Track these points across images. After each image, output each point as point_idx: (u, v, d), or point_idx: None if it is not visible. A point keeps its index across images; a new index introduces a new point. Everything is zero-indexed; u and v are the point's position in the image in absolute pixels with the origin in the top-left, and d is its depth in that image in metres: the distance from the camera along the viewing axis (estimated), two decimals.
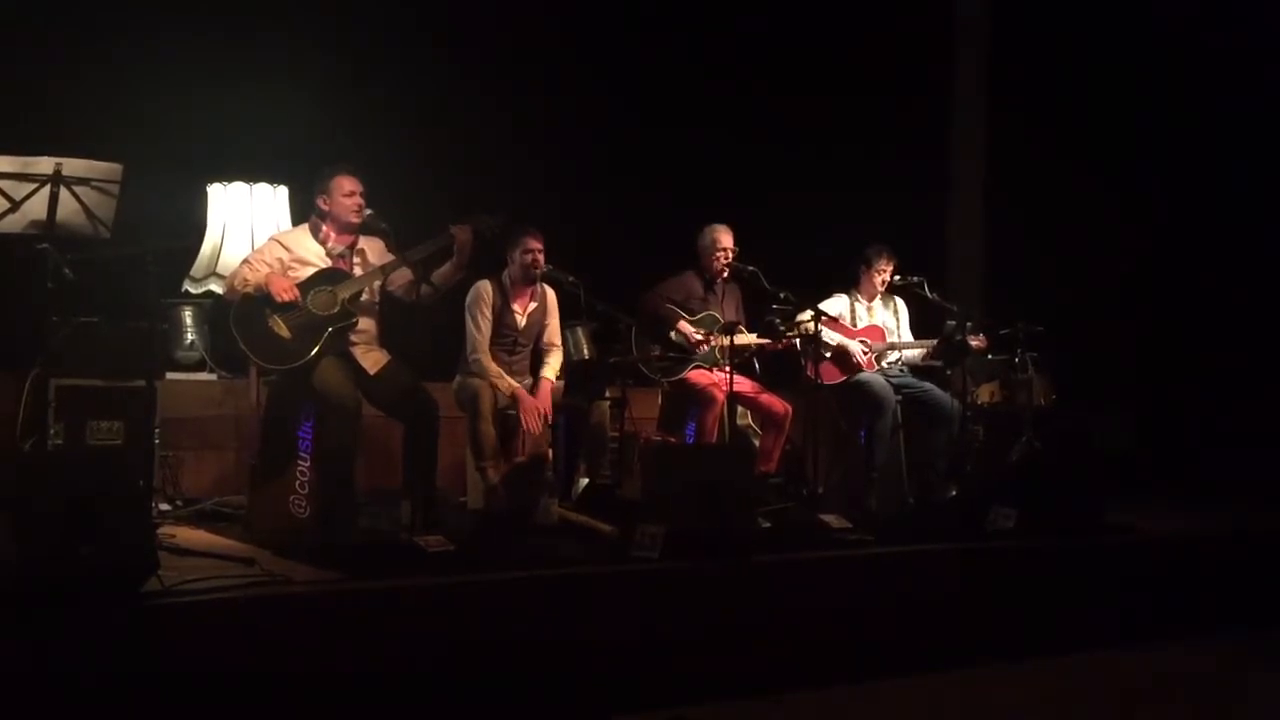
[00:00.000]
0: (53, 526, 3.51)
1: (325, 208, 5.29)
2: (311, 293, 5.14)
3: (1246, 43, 8.36)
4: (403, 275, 5.31)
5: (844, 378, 6.67)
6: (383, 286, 5.38)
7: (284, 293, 5.07)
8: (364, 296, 5.29)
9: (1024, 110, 8.90)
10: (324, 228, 5.30)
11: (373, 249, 5.38)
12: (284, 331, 5.08)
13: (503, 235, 5.69)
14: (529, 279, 5.86)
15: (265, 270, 5.15)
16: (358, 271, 5.30)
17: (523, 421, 5.62)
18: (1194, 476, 7.62)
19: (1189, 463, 7.69)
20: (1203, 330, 8.47)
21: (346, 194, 5.25)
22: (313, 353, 5.06)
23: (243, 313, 5.11)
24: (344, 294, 5.18)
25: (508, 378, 5.73)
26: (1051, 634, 5.22)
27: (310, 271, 5.22)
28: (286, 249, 5.27)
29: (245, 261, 5.30)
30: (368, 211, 5.26)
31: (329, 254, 5.30)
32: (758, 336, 6.50)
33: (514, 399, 5.65)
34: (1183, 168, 8.46)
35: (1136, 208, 8.55)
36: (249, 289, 5.10)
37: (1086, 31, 8.75)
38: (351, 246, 5.35)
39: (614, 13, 8.06)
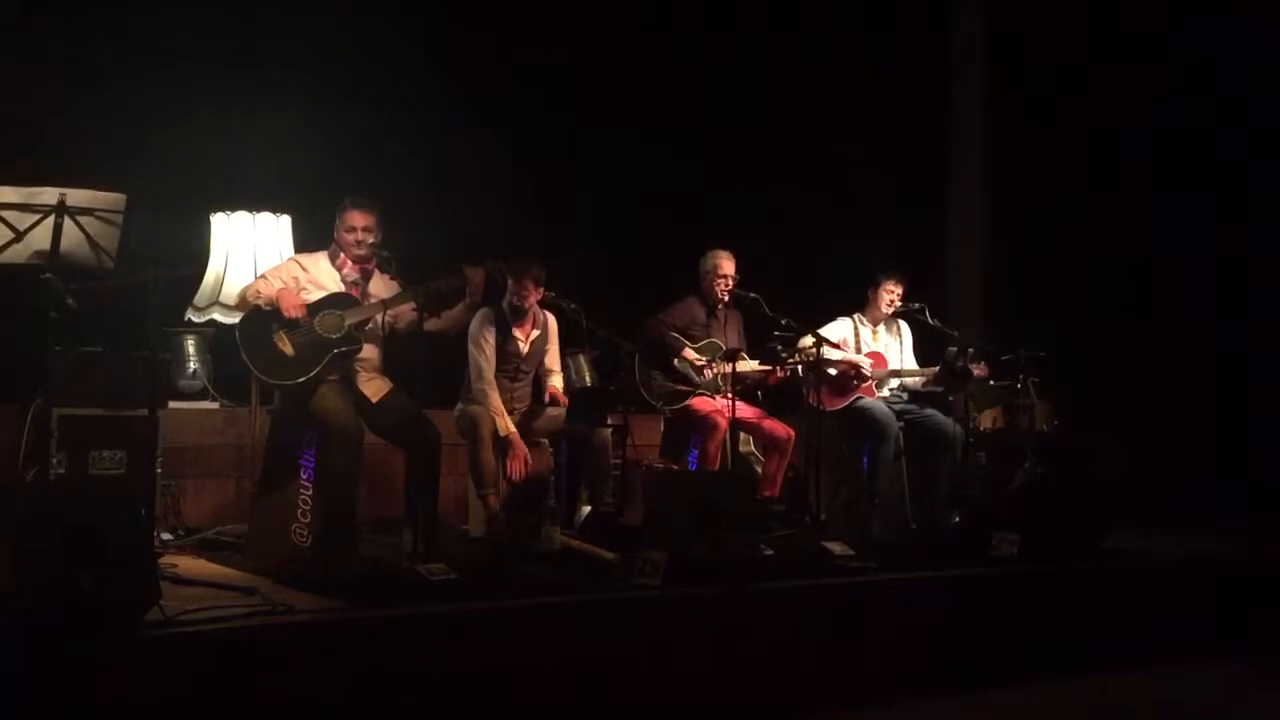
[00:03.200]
0: (54, 556, 3.51)
1: (336, 235, 5.33)
2: (320, 314, 5.15)
3: (1248, 50, 8.36)
4: (406, 313, 5.31)
5: (846, 401, 6.66)
6: (385, 321, 5.37)
7: (293, 309, 5.08)
8: (369, 325, 5.30)
9: (1023, 131, 8.91)
10: (340, 255, 5.34)
11: (383, 284, 5.39)
12: (288, 348, 5.09)
13: (505, 268, 5.70)
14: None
15: (279, 286, 5.17)
16: (367, 300, 5.32)
17: (507, 466, 5.60)
18: (1197, 501, 7.59)
19: (1192, 487, 7.67)
20: (1205, 353, 8.45)
21: (347, 229, 5.28)
22: (314, 371, 5.07)
23: (250, 326, 5.13)
24: (351, 319, 5.19)
25: (508, 419, 5.71)
26: (1055, 659, 5.20)
27: (322, 295, 5.24)
28: (303, 269, 5.30)
29: (261, 276, 5.35)
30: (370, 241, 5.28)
31: (343, 280, 5.32)
32: (759, 364, 6.50)
33: (508, 440, 5.64)
34: (1186, 184, 8.44)
35: (1140, 227, 8.54)
36: (260, 301, 5.13)
37: (1085, 43, 8.75)
38: (366, 277, 5.37)
39: (614, 39, 8.09)
